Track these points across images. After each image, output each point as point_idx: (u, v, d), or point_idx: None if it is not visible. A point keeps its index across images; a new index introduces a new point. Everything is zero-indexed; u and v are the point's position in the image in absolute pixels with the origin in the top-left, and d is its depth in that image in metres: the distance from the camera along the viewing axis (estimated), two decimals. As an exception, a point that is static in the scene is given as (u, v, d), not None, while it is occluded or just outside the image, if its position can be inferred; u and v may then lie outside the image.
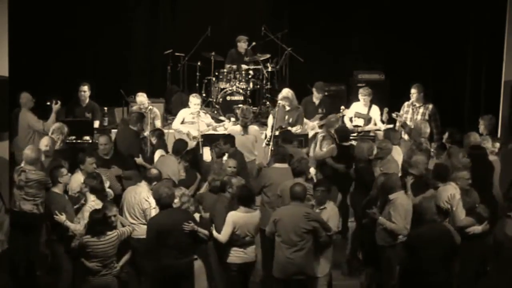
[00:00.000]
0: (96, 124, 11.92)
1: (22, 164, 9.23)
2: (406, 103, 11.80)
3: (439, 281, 7.81)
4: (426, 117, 11.54)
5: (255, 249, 8.42)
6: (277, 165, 9.40)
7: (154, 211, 8.49)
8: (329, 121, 10.95)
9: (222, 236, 8.22)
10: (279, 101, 11.70)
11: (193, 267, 8.10)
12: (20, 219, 9.18)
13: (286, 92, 11.76)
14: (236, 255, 8.29)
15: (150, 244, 8.04)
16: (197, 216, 8.35)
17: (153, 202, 8.51)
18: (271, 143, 10.98)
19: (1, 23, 11.28)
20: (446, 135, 10.31)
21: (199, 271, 8.23)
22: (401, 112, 11.74)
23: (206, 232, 8.11)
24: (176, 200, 8.18)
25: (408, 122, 11.52)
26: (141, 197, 8.65)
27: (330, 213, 8.27)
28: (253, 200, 8.38)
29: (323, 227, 8.09)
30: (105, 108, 12.32)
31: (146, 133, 11.03)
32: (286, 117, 11.60)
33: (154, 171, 8.90)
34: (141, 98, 11.85)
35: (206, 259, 8.46)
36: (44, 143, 9.65)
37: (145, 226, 8.37)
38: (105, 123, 12.19)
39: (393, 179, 8.60)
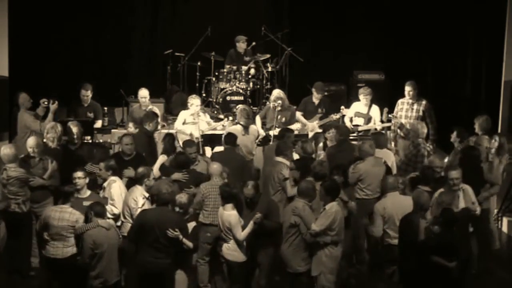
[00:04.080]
0: (99, 124, 11.92)
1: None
2: (399, 101, 11.80)
3: (409, 269, 8.07)
4: (420, 113, 11.53)
5: (230, 249, 8.43)
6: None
7: (140, 211, 8.43)
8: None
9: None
10: (272, 103, 11.71)
11: (172, 270, 8.05)
12: (5, 218, 9.26)
13: (278, 93, 11.80)
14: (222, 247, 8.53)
15: (131, 234, 8.08)
16: (191, 225, 8.31)
17: (140, 202, 8.53)
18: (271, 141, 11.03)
19: (1, 23, 11.33)
20: (454, 134, 10.30)
21: (180, 280, 8.23)
22: (396, 109, 11.75)
23: (190, 244, 8.04)
24: (179, 210, 8.17)
25: (403, 120, 11.53)
26: (131, 196, 8.66)
27: (324, 213, 8.26)
28: (227, 198, 8.39)
29: (305, 224, 8.20)
30: (105, 108, 12.31)
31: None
32: (279, 116, 11.62)
33: (139, 170, 8.90)
34: (144, 92, 11.88)
35: None
36: (29, 144, 9.51)
37: (128, 224, 8.50)
38: (105, 123, 12.18)
39: (386, 181, 8.76)
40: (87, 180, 8.74)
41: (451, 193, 8.66)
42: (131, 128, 11.55)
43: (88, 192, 8.74)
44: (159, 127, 11.26)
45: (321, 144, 10.94)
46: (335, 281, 8.36)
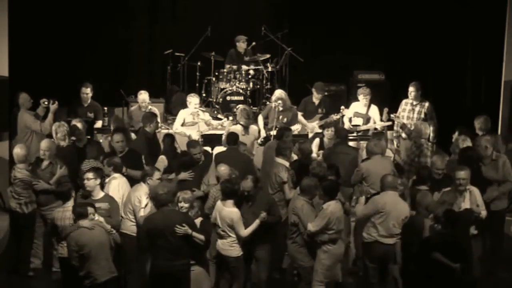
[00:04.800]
0: (99, 124, 11.91)
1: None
2: (404, 101, 11.79)
3: (412, 269, 8.24)
4: (422, 115, 11.53)
5: (224, 245, 8.45)
6: None
7: (142, 210, 8.49)
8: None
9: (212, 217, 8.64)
10: (273, 103, 11.72)
11: (187, 271, 8.00)
12: (9, 216, 9.40)
13: (279, 93, 11.81)
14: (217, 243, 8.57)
15: (142, 243, 8.06)
16: (198, 221, 8.31)
17: (143, 202, 8.53)
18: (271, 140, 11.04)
19: (1, 23, 11.31)
20: (456, 133, 10.32)
21: (199, 277, 8.21)
22: (399, 109, 11.75)
23: (202, 237, 7.99)
24: (184, 204, 8.15)
25: (405, 121, 11.52)
26: (135, 195, 8.66)
27: (320, 213, 8.33)
28: (228, 194, 8.40)
29: (302, 223, 8.34)
30: (105, 108, 12.30)
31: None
32: (281, 117, 11.63)
33: (145, 169, 9.00)
34: (144, 96, 11.88)
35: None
36: (41, 146, 9.52)
37: (131, 223, 8.53)
38: (105, 123, 12.17)
39: (385, 179, 8.74)
40: (97, 181, 8.61)
41: (454, 193, 8.65)
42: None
43: (102, 194, 8.63)
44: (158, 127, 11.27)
45: (317, 140, 10.95)
46: (332, 278, 8.43)
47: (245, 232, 8.38)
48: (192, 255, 8.02)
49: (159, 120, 11.43)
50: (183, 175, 9.39)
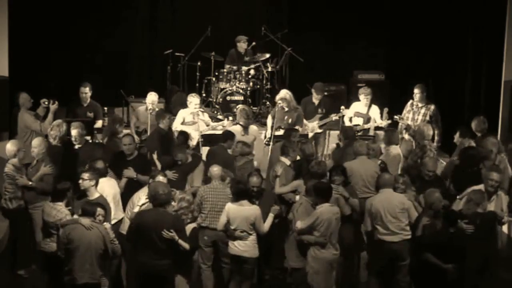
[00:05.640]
0: (99, 124, 11.88)
1: None
2: (409, 103, 11.79)
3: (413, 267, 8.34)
4: (427, 117, 11.52)
5: (247, 246, 8.42)
6: None
7: (137, 208, 8.43)
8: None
9: (218, 224, 8.53)
10: (277, 102, 11.73)
11: (171, 272, 7.96)
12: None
13: (284, 93, 11.76)
14: (230, 246, 8.51)
15: (130, 236, 8.04)
16: (190, 227, 8.24)
17: (141, 201, 8.50)
18: (271, 143, 11.01)
19: (1, 23, 11.33)
20: (457, 134, 10.32)
21: (180, 284, 8.16)
22: (404, 111, 11.74)
23: (186, 246, 7.92)
24: (173, 203, 8.14)
25: (409, 122, 11.51)
26: (138, 194, 8.66)
27: (314, 213, 8.34)
28: (240, 194, 8.40)
29: (294, 221, 8.44)
30: (105, 108, 12.29)
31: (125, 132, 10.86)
32: (286, 117, 11.60)
33: (152, 170, 9.02)
34: (153, 97, 11.73)
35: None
36: (32, 144, 9.50)
37: (127, 221, 8.50)
38: (105, 123, 12.15)
39: (382, 177, 8.78)
40: (92, 182, 8.52)
41: (482, 194, 8.54)
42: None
43: (96, 195, 8.54)
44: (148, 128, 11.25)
45: (332, 146, 11.02)
46: (323, 282, 8.39)
47: (265, 227, 8.44)
48: (176, 261, 7.96)
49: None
50: (166, 174, 9.24)
